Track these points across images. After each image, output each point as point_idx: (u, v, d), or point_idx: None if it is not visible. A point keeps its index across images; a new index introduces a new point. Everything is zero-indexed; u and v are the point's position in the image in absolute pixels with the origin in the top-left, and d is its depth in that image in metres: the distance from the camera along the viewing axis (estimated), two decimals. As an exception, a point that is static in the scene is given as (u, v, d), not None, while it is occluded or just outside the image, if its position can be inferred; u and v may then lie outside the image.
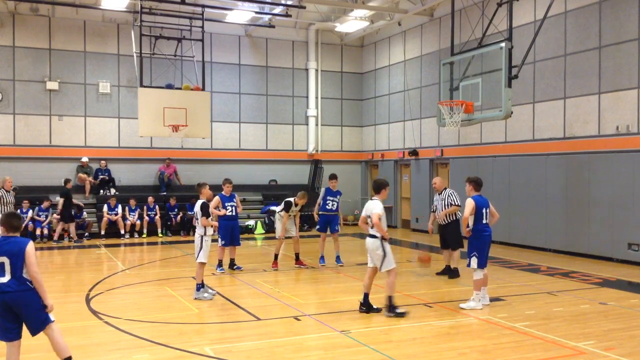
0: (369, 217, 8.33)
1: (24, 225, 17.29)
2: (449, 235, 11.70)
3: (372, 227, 8.35)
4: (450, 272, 11.52)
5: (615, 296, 9.82)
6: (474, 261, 8.94)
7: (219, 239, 12.05)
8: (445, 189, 11.81)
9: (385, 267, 8.33)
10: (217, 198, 12.02)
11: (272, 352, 6.79)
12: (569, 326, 7.92)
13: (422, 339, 7.41)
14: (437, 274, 11.76)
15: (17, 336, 5.36)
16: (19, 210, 16.82)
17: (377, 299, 9.44)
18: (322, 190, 12.98)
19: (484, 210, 9.00)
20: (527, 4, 15.77)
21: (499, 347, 6.97)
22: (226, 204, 12.14)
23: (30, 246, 5.36)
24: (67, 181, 17.93)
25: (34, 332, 5.38)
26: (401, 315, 8.30)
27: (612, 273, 12.07)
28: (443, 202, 11.69)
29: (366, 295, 8.55)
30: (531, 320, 8.19)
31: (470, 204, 8.96)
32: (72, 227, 17.65)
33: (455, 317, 8.41)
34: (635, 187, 13.07)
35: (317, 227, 13.05)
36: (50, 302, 5.46)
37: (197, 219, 9.80)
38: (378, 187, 8.62)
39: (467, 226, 9.03)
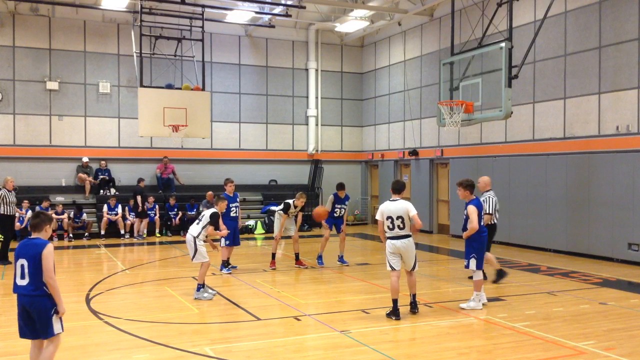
0: (400, 217, 8.20)
1: (23, 225, 17.32)
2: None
3: (402, 228, 8.23)
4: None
5: (615, 296, 9.82)
6: (472, 262, 8.94)
7: (223, 240, 12.04)
8: (488, 190, 10.96)
9: (416, 265, 8.47)
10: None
11: (272, 352, 6.79)
12: (569, 326, 7.92)
13: (422, 339, 7.42)
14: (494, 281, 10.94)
15: (36, 335, 5.36)
16: (18, 210, 16.83)
17: (378, 300, 9.44)
18: (331, 197, 13.01)
19: (481, 213, 9.05)
20: (527, 4, 15.78)
21: (499, 347, 6.97)
22: (231, 205, 12.15)
23: (47, 250, 5.23)
24: (140, 180, 19.29)
25: (41, 336, 5.34)
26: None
27: (612, 273, 12.07)
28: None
29: (396, 301, 8.30)
30: (531, 320, 8.19)
31: (474, 211, 8.80)
32: (144, 223, 18.50)
33: (455, 317, 8.41)
34: (636, 187, 13.07)
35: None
36: (63, 308, 5.34)
37: (199, 220, 9.85)
38: (402, 188, 8.56)
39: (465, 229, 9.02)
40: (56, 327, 5.33)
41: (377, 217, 8.43)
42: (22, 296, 5.26)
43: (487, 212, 10.61)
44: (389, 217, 8.29)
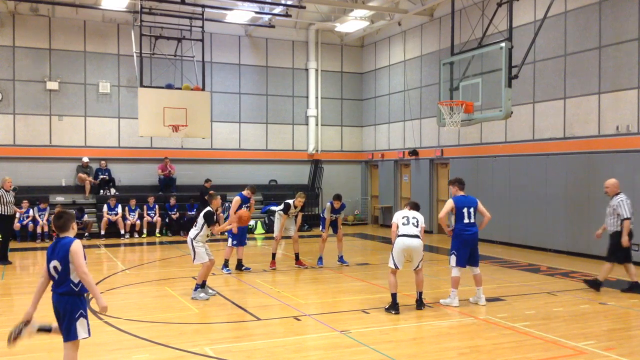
0: (416, 218, 8.71)
1: (24, 223, 17.35)
2: (615, 246, 10.09)
3: (416, 226, 8.65)
4: (636, 287, 10.10)
5: (615, 296, 9.82)
6: (452, 259, 9.14)
7: (229, 239, 12.04)
8: (618, 193, 10.07)
9: (420, 264, 8.75)
10: (237, 198, 12.17)
11: (272, 352, 6.78)
12: (569, 326, 7.92)
13: (422, 339, 7.42)
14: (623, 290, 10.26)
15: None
16: (18, 210, 16.84)
17: (378, 300, 9.45)
18: (328, 205, 13.07)
19: (464, 210, 9.06)
20: (527, 4, 15.77)
21: (499, 347, 6.97)
22: (243, 206, 12.19)
23: (75, 246, 5.15)
24: (207, 180, 19.75)
25: (64, 337, 5.27)
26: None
27: (612, 273, 12.00)
28: (611, 209, 10.04)
29: (395, 295, 8.58)
30: (531, 320, 8.19)
31: (448, 204, 9.16)
32: None
33: (455, 317, 8.41)
34: (635, 187, 13.06)
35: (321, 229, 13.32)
36: (103, 304, 5.20)
37: (196, 223, 9.91)
38: (418, 208, 9.07)
39: (448, 226, 9.33)
40: (80, 331, 5.20)
41: (393, 220, 8.82)
42: (54, 295, 5.24)
43: (625, 216, 9.79)
44: (404, 217, 8.72)
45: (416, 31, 20.66)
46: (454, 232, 9.13)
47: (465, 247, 9.04)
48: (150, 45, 18.06)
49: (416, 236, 8.58)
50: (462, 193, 9.26)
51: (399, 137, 21.69)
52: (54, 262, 5.21)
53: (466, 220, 9.03)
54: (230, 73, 21.99)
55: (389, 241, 8.73)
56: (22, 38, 19.33)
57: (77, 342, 5.28)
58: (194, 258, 9.76)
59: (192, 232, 9.82)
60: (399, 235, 8.58)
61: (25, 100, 19.36)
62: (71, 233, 5.34)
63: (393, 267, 8.58)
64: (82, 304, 5.24)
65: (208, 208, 9.95)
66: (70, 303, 5.15)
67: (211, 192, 10.52)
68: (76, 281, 5.19)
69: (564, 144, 14.88)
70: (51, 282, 5.29)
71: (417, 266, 8.71)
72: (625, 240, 9.87)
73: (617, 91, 13.63)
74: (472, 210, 9.09)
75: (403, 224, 8.62)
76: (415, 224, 8.65)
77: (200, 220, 9.80)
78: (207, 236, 9.85)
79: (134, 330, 7.65)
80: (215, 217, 9.87)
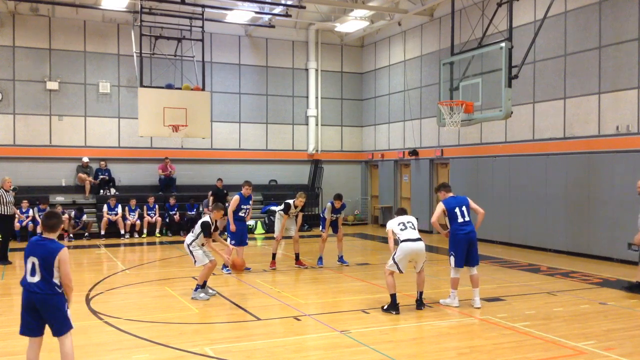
0: (410, 222, 8.85)
1: (24, 224, 17.36)
2: None
3: (414, 229, 8.76)
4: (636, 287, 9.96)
5: (615, 296, 9.82)
6: (451, 260, 9.14)
7: (228, 239, 12.02)
8: None
9: (424, 265, 8.86)
10: (236, 197, 12.13)
11: (272, 352, 6.79)
12: (569, 326, 7.92)
13: (422, 339, 7.43)
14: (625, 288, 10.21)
15: (40, 333, 5.43)
16: (18, 210, 16.85)
17: (378, 300, 9.46)
18: (328, 205, 13.05)
19: (456, 211, 9.05)
20: (527, 4, 15.77)
21: (499, 347, 6.97)
22: (242, 206, 12.17)
23: (64, 255, 5.29)
24: (218, 179, 19.65)
25: (56, 333, 5.40)
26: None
27: (612, 273, 12.07)
28: None
29: (395, 296, 8.60)
30: (531, 320, 8.19)
31: (439, 207, 9.22)
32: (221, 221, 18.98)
33: (455, 317, 8.42)
34: (635, 187, 13.05)
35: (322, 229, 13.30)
36: (71, 300, 5.52)
37: (193, 229, 9.95)
38: (407, 213, 9.28)
39: (444, 228, 9.30)
40: (71, 320, 5.44)
41: (388, 228, 8.84)
42: (33, 293, 5.29)
43: None
44: (400, 223, 8.75)
45: (416, 31, 20.66)
46: (450, 233, 9.14)
47: (461, 246, 9.02)
48: (150, 45, 18.06)
49: (419, 239, 8.62)
50: (451, 194, 9.28)
51: (399, 137, 21.69)
52: (33, 259, 5.32)
53: (460, 220, 9.02)
54: (230, 73, 21.99)
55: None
56: (22, 38, 19.33)
57: (69, 333, 5.44)
58: (195, 262, 9.76)
59: (189, 238, 9.84)
60: (402, 241, 8.57)
61: (25, 100, 19.36)
62: (56, 235, 5.46)
63: (396, 270, 8.56)
64: (64, 297, 5.42)
65: (206, 218, 9.93)
66: (57, 300, 5.33)
67: (219, 203, 10.46)
68: (59, 284, 5.35)
69: (564, 144, 14.88)
70: (25, 278, 5.36)
71: (421, 267, 8.78)
72: (637, 238, 9.89)
73: (617, 91, 13.63)
74: (464, 209, 9.09)
75: (401, 229, 8.63)
76: (413, 227, 8.70)
77: (197, 228, 9.81)
78: (202, 244, 9.84)
79: (134, 330, 7.65)
80: (211, 228, 9.80)
